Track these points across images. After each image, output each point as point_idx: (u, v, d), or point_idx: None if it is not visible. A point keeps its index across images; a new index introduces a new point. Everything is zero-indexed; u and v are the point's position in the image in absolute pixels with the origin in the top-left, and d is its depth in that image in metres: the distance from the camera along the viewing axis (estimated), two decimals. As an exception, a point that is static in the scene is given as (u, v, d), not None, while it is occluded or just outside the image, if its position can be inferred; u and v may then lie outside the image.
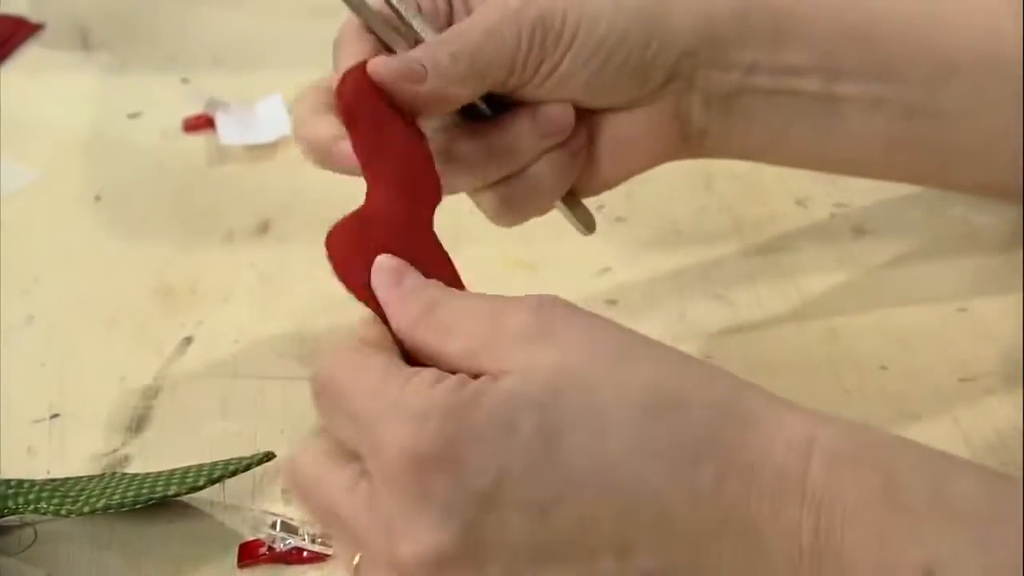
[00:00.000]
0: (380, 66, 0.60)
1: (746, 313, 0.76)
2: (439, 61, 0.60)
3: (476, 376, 0.49)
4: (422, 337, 0.52)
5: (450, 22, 0.65)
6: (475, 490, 0.47)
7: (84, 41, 1.04)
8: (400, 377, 0.50)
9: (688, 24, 0.64)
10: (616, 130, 0.66)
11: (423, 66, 0.60)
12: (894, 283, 0.78)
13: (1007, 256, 0.79)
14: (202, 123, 0.94)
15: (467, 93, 0.62)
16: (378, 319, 0.54)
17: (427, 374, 0.50)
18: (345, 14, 0.64)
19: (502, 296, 0.52)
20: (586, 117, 0.65)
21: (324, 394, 0.52)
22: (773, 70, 0.66)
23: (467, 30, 0.62)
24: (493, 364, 0.49)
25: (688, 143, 0.67)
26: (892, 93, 0.67)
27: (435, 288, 0.54)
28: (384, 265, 0.55)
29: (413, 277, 0.54)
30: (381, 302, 0.54)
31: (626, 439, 0.48)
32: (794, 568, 0.47)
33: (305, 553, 0.64)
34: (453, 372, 0.50)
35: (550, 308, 0.51)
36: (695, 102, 0.66)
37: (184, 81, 0.99)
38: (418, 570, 0.48)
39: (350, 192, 0.80)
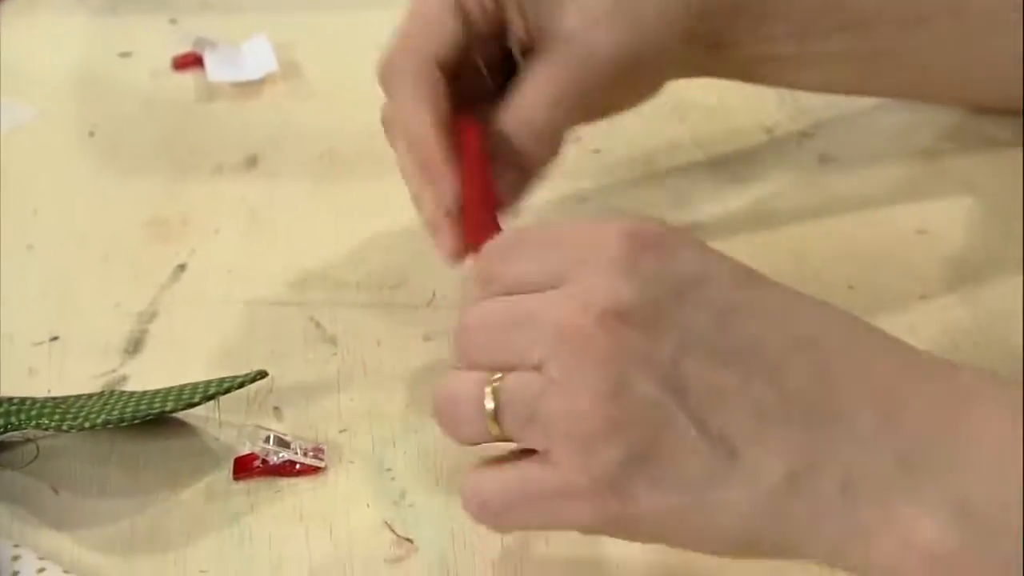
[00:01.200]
0: None
1: (718, 238, 0.77)
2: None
3: None
4: None
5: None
6: (677, 277, 0.52)
7: (75, -17, 1.06)
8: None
9: (688, 27, 0.70)
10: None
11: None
12: (858, 208, 0.80)
13: (965, 181, 0.81)
14: (191, 62, 0.96)
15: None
16: None
17: None
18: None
19: None
20: None
21: (508, 246, 0.56)
22: (754, 41, 0.70)
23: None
24: None
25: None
26: (860, 45, 0.70)
27: None
28: None
29: None
30: None
31: (815, 307, 0.53)
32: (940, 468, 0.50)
33: (298, 466, 0.66)
34: None
35: None
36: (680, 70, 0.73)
37: (172, 22, 1.01)
38: (603, 315, 0.51)
39: (333, 128, 0.83)
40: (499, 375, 0.54)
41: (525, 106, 0.68)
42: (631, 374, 0.51)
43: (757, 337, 0.51)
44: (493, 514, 0.56)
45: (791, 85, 0.80)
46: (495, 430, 0.54)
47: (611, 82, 0.69)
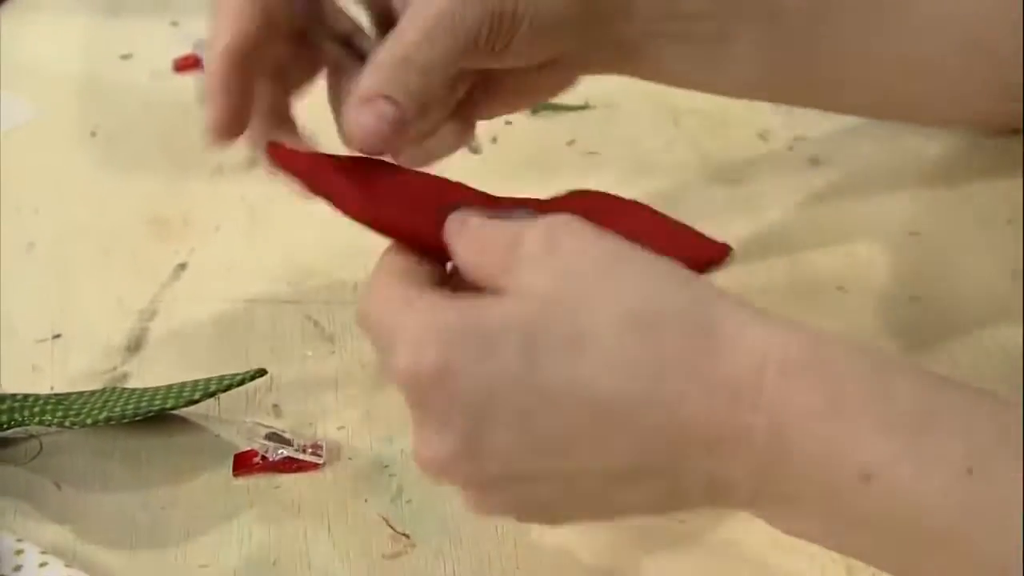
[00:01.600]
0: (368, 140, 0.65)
1: (711, 240, 0.79)
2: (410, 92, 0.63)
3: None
4: (460, 258, 0.57)
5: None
6: (465, 405, 0.52)
7: (77, -16, 1.06)
8: (411, 304, 0.55)
9: None
10: (519, 78, 0.68)
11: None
12: (849, 210, 0.81)
13: (955, 183, 0.82)
14: (191, 63, 0.96)
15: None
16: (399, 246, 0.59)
17: (431, 299, 0.55)
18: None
19: (526, 222, 0.55)
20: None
21: (363, 325, 0.57)
22: (672, 17, 0.70)
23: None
24: (505, 283, 0.54)
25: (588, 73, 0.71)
26: (776, 29, 0.71)
27: (475, 217, 0.58)
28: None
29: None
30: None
31: (601, 357, 0.52)
32: (752, 468, 0.51)
33: (297, 462, 0.67)
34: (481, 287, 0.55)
35: (560, 228, 0.54)
36: (599, 51, 0.68)
37: (174, 24, 1.01)
38: (433, 468, 0.55)
39: (331, 129, 0.83)
40: None
41: (402, 44, 0.63)
42: (478, 495, 0.56)
43: (564, 424, 0.53)
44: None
45: (697, 84, 0.75)
46: None
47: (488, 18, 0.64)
